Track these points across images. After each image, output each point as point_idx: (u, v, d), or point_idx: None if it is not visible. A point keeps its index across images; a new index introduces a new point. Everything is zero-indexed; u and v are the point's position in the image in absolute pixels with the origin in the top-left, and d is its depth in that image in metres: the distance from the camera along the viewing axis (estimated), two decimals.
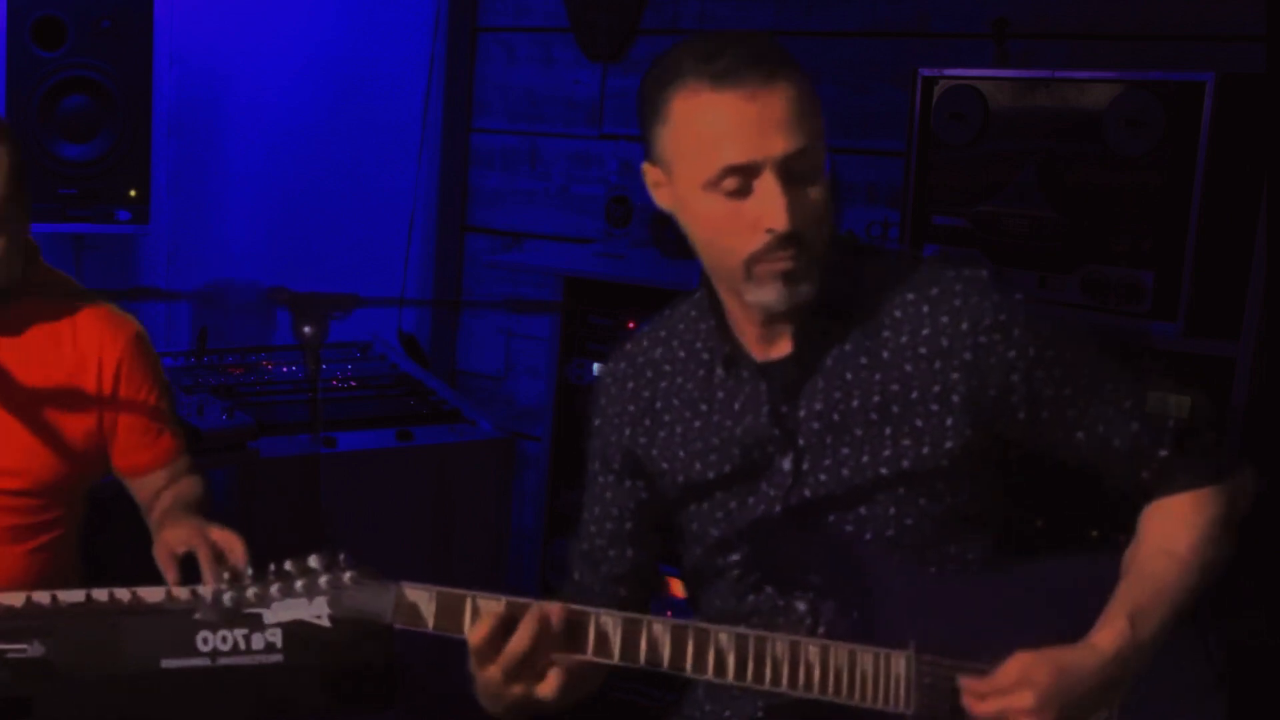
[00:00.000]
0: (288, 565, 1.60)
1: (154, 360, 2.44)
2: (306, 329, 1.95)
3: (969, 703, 1.64)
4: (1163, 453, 1.75)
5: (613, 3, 3.89)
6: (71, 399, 2.33)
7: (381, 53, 4.21)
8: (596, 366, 3.41)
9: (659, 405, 1.86)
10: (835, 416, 1.74)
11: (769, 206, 1.63)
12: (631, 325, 3.32)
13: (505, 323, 4.22)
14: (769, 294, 1.68)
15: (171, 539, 2.16)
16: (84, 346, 2.34)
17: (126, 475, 2.42)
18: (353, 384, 3.73)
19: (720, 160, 1.64)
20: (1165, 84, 2.64)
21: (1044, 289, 2.79)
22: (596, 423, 1.93)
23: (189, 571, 2.13)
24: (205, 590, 1.62)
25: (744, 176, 1.64)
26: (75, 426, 2.34)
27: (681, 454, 1.83)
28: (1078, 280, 2.76)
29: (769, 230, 1.64)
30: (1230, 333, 2.62)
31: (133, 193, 3.58)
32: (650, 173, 1.75)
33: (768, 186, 1.63)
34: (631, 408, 1.88)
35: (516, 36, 4.15)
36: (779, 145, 1.63)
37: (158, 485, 2.41)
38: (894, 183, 3.24)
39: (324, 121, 4.22)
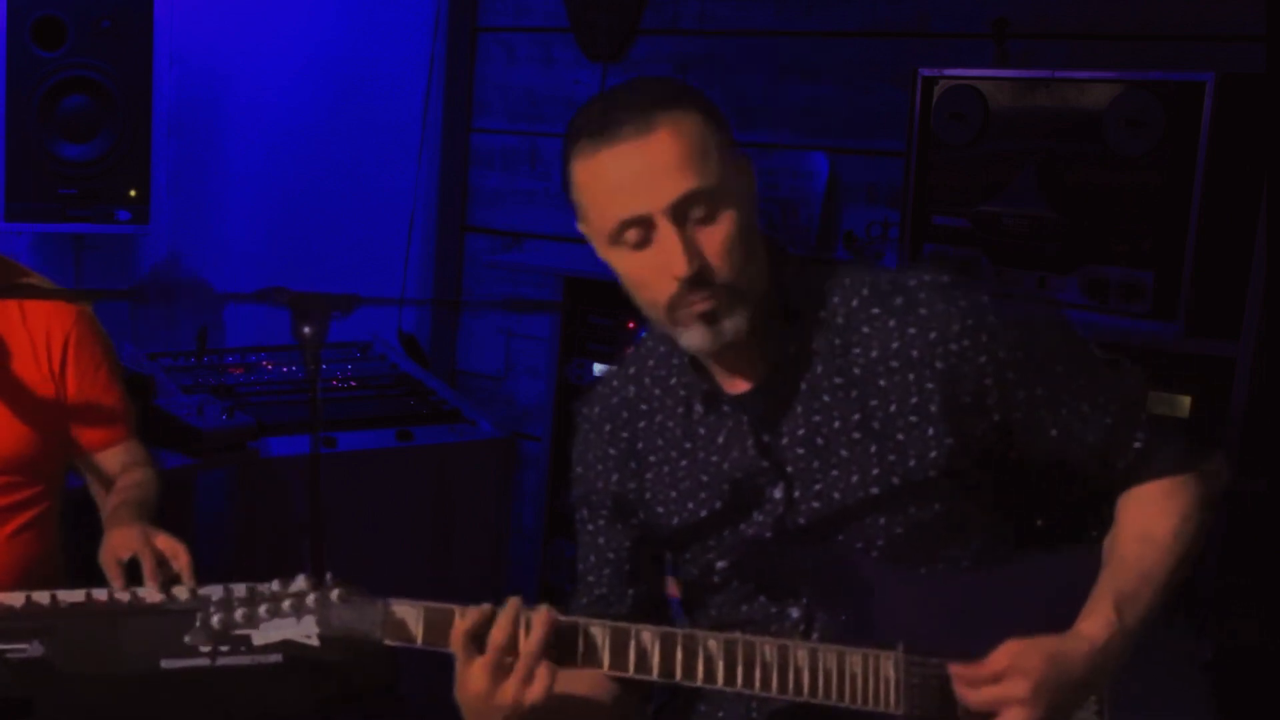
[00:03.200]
0: (274, 585, 1.60)
1: (103, 338, 2.48)
2: (306, 329, 1.94)
3: (959, 690, 1.64)
4: (1136, 444, 1.75)
5: (613, 3, 3.89)
6: (27, 376, 2.36)
7: (381, 53, 4.22)
8: (596, 366, 3.41)
9: (641, 446, 1.84)
10: (819, 441, 1.73)
11: (668, 254, 1.64)
12: (631, 325, 3.32)
13: (505, 323, 4.22)
14: (695, 338, 1.69)
15: (117, 544, 2.17)
16: (33, 325, 2.38)
17: (85, 452, 2.45)
18: (353, 384, 3.73)
19: (613, 217, 1.66)
20: (1165, 84, 2.64)
21: (1044, 289, 2.79)
22: (578, 470, 1.91)
23: (133, 577, 2.14)
24: (203, 591, 1.62)
25: (641, 228, 1.65)
26: (36, 404, 2.36)
27: (673, 494, 1.82)
28: (1078, 280, 2.76)
29: (675, 277, 1.64)
30: (1230, 333, 2.62)
31: (133, 193, 3.59)
32: (585, 232, 1.77)
33: (663, 234, 1.64)
34: (613, 451, 1.86)
35: (516, 36, 4.15)
36: (666, 193, 1.63)
37: (113, 466, 2.45)
38: (894, 183, 3.24)
39: (324, 121, 4.22)
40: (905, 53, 3.39)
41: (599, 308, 3.42)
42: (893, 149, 3.23)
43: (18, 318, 2.38)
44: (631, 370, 1.87)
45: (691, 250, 1.63)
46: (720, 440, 1.78)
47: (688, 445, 1.81)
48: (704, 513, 1.80)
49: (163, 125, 3.64)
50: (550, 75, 4.08)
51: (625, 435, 1.86)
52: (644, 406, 1.85)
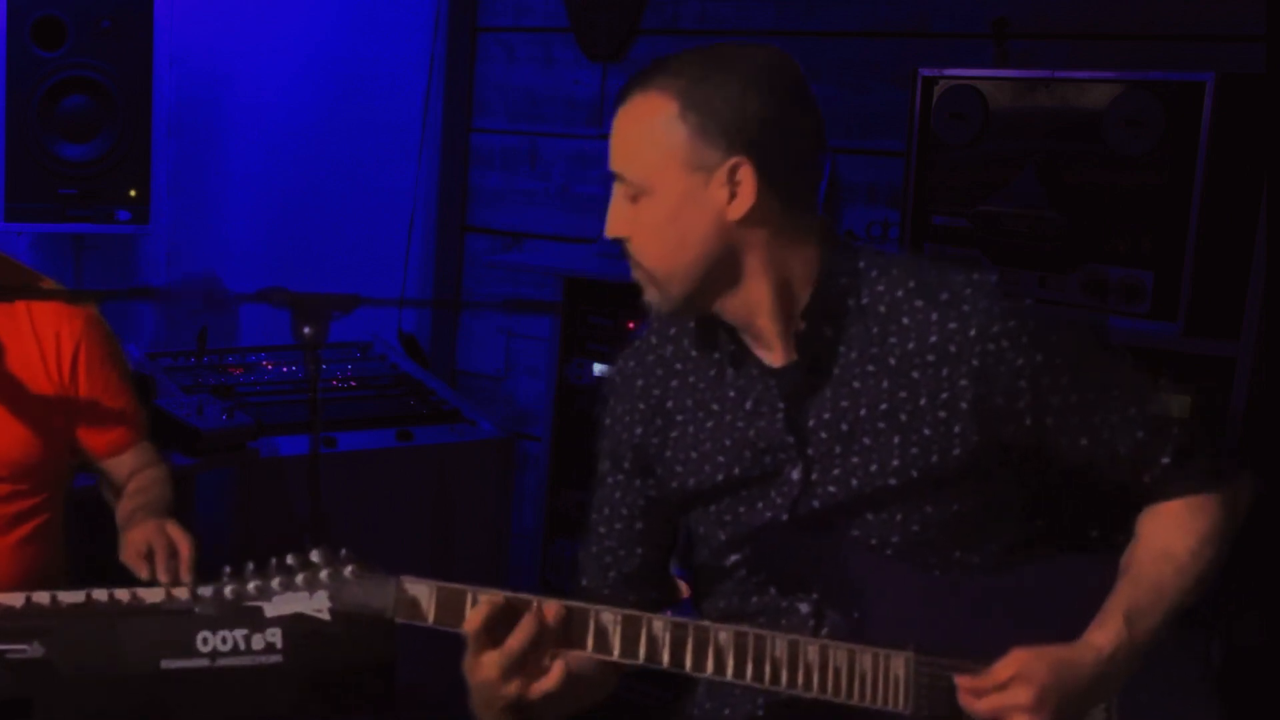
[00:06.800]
0: (289, 559, 1.60)
1: (113, 342, 2.48)
2: (306, 329, 1.95)
3: (965, 700, 1.64)
4: (1165, 459, 1.75)
5: (613, 3, 3.89)
6: (35, 382, 2.35)
7: (381, 53, 4.21)
8: (596, 366, 3.41)
9: (670, 404, 1.85)
10: (844, 426, 1.73)
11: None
12: (631, 325, 3.32)
13: (505, 323, 4.22)
14: None
15: (136, 539, 2.19)
16: (41, 329, 2.37)
17: (95, 457, 2.45)
18: (353, 384, 3.73)
19: None
20: (1165, 84, 2.64)
21: (1044, 289, 2.79)
22: (606, 421, 1.92)
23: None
24: (202, 590, 1.62)
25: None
26: (42, 409, 2.35)
27: (694, 455, 1.82)
28: (1078, 280, 2.76)
29: None
30: (1230, 333, 2.62)
31: (133, 193, 3.58)
32: None
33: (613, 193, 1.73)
34: (642, 405, 1.87)
35: (516, 36, 4.15)
36: (611, 159, 1.73)
37: (125, 469, 2.45)
38: (894, 183, 3.24)
39: (324, 121, 4.22)
40: (905, 53, 3.39)
41: (599, 308, 3.42)
42: (893, 149, 3.23)
43: (26, 323, 2.36)
44: (671, 330, 1.88)
45: (614, 217, 1.73)
46: (748, 406, 1.78)
47: (715, 407, 1.81)
48: (720, 477, 1.79)
49: (163, 125, 3.64)
50: (550, 75, 4.08)
51: (656, 392, 1.86)
52: (679, 365, 1.85)
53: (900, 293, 1.73)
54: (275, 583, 1.59)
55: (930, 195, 2.97)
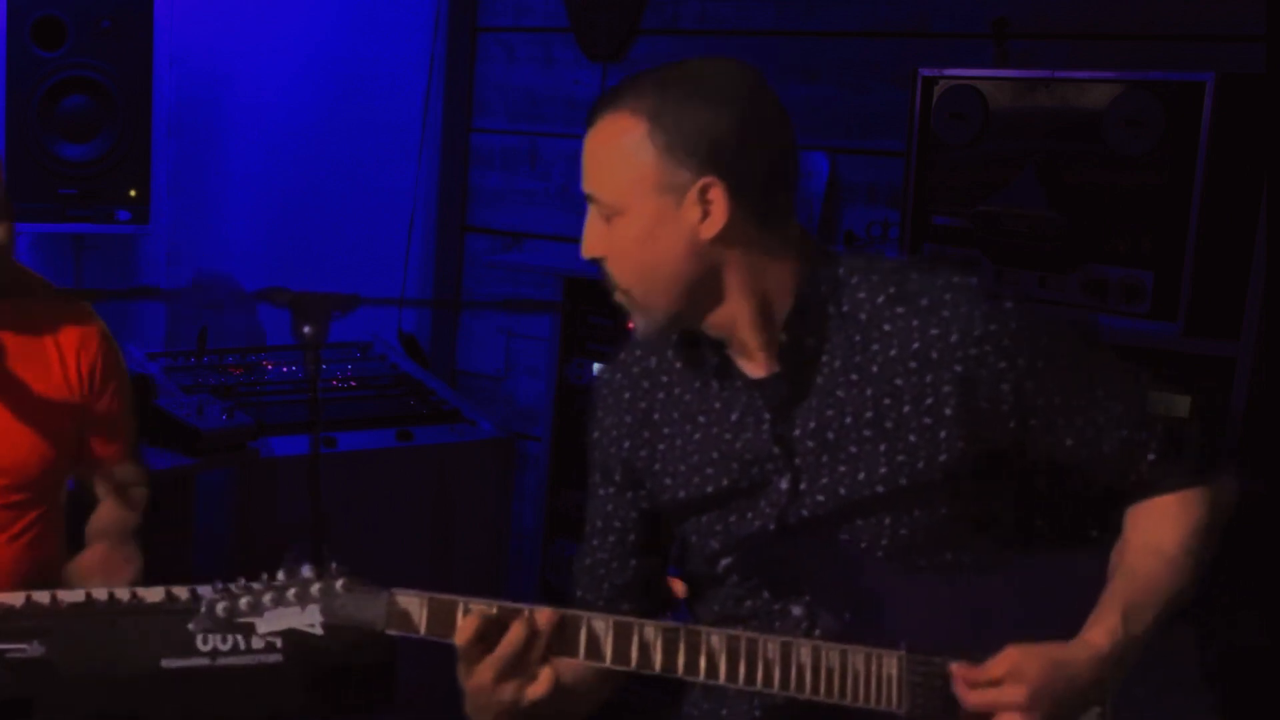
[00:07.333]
0: (280, 574, 1.61)
1: (120, 357, 2.49)
2: (307, 329, 1.94)
3: (959, 690, 1.64)
4: (1151, 456, 1.75)
5: (613, 3, 3.89)
6: (54, 393, 2.35)
7: (381, 53, 4.22)
8: (596, 366, 3.41)
9: (656, 417, 1.85)
10: (830, 435, 1.73)
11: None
12: (631, 326, 3.32)
13: (505, 323, 4.22)
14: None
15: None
16: (62, 341, 2.37)
17: (98, 464, 2.46)
18: (353, 384, 3.73)
19: None
20: (1165, 84, 2.64)
21: (1044, 289, 2.79)
22: (594, 435, 1.92)
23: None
24: (202, 590, 1.63)
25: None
26: (56, 420, 2.35)
27: (682, 468, 1.82)
28: (1078, 280, 2.76)
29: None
30: (1230, 333, 2.62)
31: (133, 193, 3.58)
32: None
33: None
34: (629, 419, 1.87)
35: (516, 36, 4.15)
36: (584, 180, 1.72)
37: (113, 481, 2.46)
38: (894, 183, 3.25)
39: (324, 121, 4.22)
40: (905, 53, 3.39)
41: (599, 308, 3.42)
42: (893, 149, 3.23)
43: (47, 334, 2.36)
44: (657, 340, 1.88)
45: (589, 237, 1.73)
46: (734, 418, 1.78)
47: (701, 419, 1.81)
48: (709, 489, 1.79)
49: (163, 125, 3.64)
50: (550, 75, 4.08)
51: (643, 404, 1.86)
52: (664, 378, 1.85)
53: (881, 299, 1.73)
54: (267, 598, 1.59)
55: (930, 195, 2.97)
